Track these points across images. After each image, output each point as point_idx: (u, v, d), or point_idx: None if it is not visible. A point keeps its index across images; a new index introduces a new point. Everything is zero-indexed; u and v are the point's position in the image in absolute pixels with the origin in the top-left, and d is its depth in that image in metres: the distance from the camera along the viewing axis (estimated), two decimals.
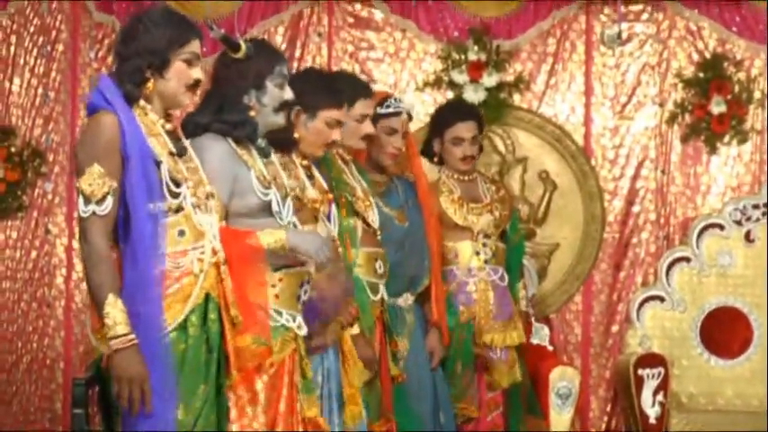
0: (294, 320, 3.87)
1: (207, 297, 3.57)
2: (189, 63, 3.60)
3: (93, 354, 6.51)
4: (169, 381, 3.47)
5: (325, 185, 4.34)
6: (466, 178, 5.71)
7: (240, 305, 3.66)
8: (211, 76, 3.94)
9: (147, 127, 3.56)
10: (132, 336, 3.39)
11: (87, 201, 3.43)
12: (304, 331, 3.91)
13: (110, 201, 3.45)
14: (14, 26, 6.95)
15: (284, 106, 3.95)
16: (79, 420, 6.02)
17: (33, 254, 6.97)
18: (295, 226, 3.91)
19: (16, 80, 6.95)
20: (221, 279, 3.62)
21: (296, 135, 4.11)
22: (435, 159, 5.72)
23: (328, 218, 4.28)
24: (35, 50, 6.95)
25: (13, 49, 6.94)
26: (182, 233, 3.55)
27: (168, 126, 3.64)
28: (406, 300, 5.03)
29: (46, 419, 6.93)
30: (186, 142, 3.76)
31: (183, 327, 3.52)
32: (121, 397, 3.41)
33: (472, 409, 5.55)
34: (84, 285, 6.74)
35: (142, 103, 3.58)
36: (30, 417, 6.92)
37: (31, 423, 6.91)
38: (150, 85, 3.58)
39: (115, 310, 3.39)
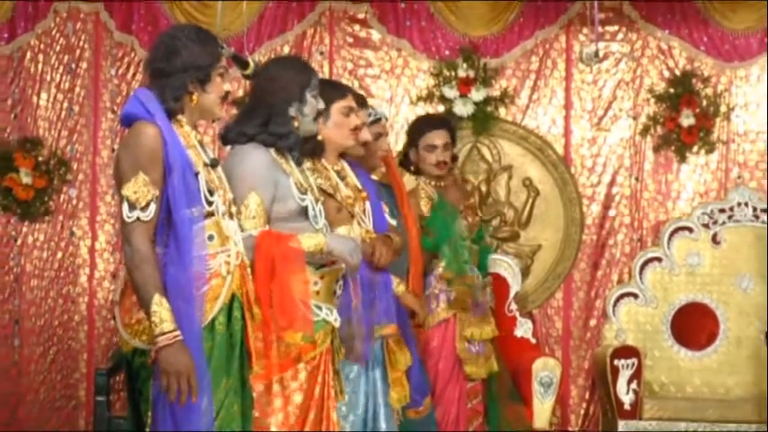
0: (332, 314, 3.92)
1: (232, 297, 3.55)
2: (222, 77, 3.57)
3: (115, 346, 6.75)
4: (202, 374, 3.44)
5: (359, 185, 4.39)
6: (442, 184, 5.69)
7: (284, 301, 3.68)
8: (252, 90, 3.99)
9: (184, 138, 3.53)
10: (178, 332, 3.36)
11: (132, 207, 3.40)
12: (339, 323, 3.94)
13: (153, 207, 3.41)
14: (42, 45, 6.95)
15: (319, 115, 4.02)
16: (101, 407, 6.16)
17: (59, 254, 6.97)
18: (327, 230, 3.94)
19: (43, 95, 6.95)
20: (245, 280, 3.60)
21: (320, 138, 4.13)
22: (412, 169, 5.70)
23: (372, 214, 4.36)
24: (61, 68, 6.97)
25: (40, 66, 6.95)
26: (210, 237, 3.52)
27: (199, 137, 3.63)
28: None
29: (70, 406, 6.94)
30: (226, 150, 3.78)
31: (211, 325, 3.51)
32: (170, 390, 3.37)
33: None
34: (105, 283, 6.95)
35: (179, 116, 3.54)
36: (56, 403, 6.92)
37: (57, 409, 6.92)
38: (195, 98, 3.54)
39: (161, 309, 3.37)
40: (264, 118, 3.89)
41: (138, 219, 3.40)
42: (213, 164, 3.61)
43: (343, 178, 4.31)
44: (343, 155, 4.44)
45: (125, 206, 3.40)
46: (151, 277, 3.39)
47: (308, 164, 4.11)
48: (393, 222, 4.68)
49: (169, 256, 3.44)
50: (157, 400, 3.43)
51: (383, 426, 4.41)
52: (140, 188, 3.40)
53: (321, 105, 4.01)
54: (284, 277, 3.68)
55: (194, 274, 3.45)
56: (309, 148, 4.09)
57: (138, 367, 3.50)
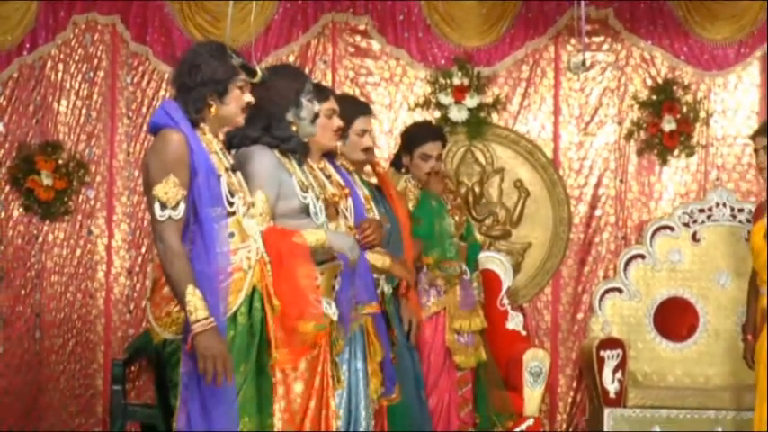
0: (330, 307, 3.90)
1: (253, 290, 3.61)
2: (242, 89, 3.65)
3: (130, 338, 6.86)
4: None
5: (342, 182, 4.36)
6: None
7: (294, 292, 3.68)
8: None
9: (207, 145, 3.60)
10: (212, 318, 3.43)
11: (164, 206, 3.45)
12: (336, 316, 3.92)
13: (182, 207, 3.48)
14: (61, 55, 7.01)
15: (316, 117, 4.04)
16: (117, 395, 6.30)
17: (78, 252, 7.01)
18: (327, 227, 3.95)
19: (63, 102, 7.00)
20: (264, 274, 3.64)
21: (305, 140, 4.07)
22: (403, 170, 5.64)
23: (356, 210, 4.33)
24: (79, 76, 7.02)
25: (60, 75, 7.00)
26: (231, 235, 3.58)
27: (220, 145, 3.70)
28: (388, 291, 4.90)
29: (88, 394, 6.98)
30: (232, 153, 3.81)
31: (233, 316, 3.57)
32: (207, 372, 3.41)
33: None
34: (121, 279, 6.99)
35: (201, 124, 3.62)
36: (75, 392, 6.97)
37: (76, 397, 6.97)
38: (213, 110, 3.61)
39: (195, 298, 3.42)
40: (265, 123, 3.91)
41: (169, 217, 3.46)
42: (234, 168, 3.69)
43: (327, 177, 4.28)
44: (328, 155, 4.45)
45: (156, 206, 3.46)
46: (184, 271, 3.45)
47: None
48: (376, 216, 4.64)
49: (195, 252, 3.51)
50: (187, 385, 3.49)
51: (362, 418, 4.36)
52: (171, 189, 3.46)
53: (317, 108, 4.04)
54: (292, 270, 3.68)
55: (218, 269, 3.51)
56: (290, 149, 4.04)
57: (167, 356, 3.58)
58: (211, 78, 3.58)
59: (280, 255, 3.69)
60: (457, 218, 5.82)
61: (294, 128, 4.00)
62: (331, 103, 4.33)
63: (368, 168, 5.14)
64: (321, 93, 4.28)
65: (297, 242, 3.77)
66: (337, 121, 4.36)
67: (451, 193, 6.00)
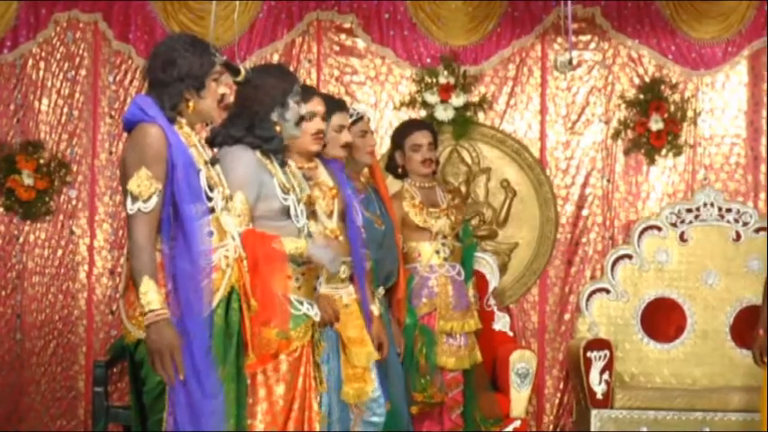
0: (312, 308, 3.92)
1: (231, 289, 3.58)
2: (216, 81, 3.60)
3: (112, 340, 6.77)
4: (209, 358, 3.47)
5: (330, 183, 4.39)
6: (427, 185, 5.74)
7: (265, 298, 3.66)
8: (237, 97, 3.95)
9: (185, 138, 3.56)
10: (164, 311, 3.39)
11: (134, 200, 3.41)
12: (318, 317, 3.94)
13: (155, 200, 3.42)
14: (43, 53, 6.94)
15: (301, 120, 4.01)
16: (99, 397, 6.21)
17: (59, 252, 6.94)
18: (308, 229, 3.94)
19: (45, 100, 6.93)
20: (242, 272, 3.62)
21: (286, 143, 4.05)
22: (399, 171, 5.73)
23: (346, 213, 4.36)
24: (61, 75, 6.95)
25: (41, 73, 6.93)
26: (210, 233, 3.54)
27: (199, 138, 3.66)
28: (380, 293, 5.00)
29: (70, 396, 6.92)
30: (214, 151, 3.79)
31: (209, 316, 3.52)
32: (156, 367, 3.38)
33: (440, 396, 5.54)
34: (103, 280, 6.93)
35: (179, 119, 3.57)
36: (56, 394, 6.91)
37: (58, 399, 6.89)
38: (191, 104, 3.57)
39: (149, 290, 3.39)
40: (249, 123, 3.88)
41: (139, 210, 3.41)
42: (213, 162, 3.65)
43: (308, 178, 4.25)
44: (318, 155, 4.43)
45: (128, 200, 3.42)
46: (144, 264, 3.40)
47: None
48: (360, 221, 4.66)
49: (177, 249, 3.47)
50: (172, 387, 3.43)
51: (334, 419, 4.38)
52: (143, 182, 3.42)
53: (303, 111, 4.01)
54: (266, 275, 3.67)
55: (200, 267, 3.47)
56: (271, 150, 4.02)
57: (141, 357, 3.50)
58: (188, 73, 3.54)
59: (256, 259, 3.67)
60: (453, 218, 5.81)
61: (278, 128, 3.96)
62: (312, 105, 4.30)
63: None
64: (305, 94, 4.22)
65: (275, 248, 3.76)
66: (317, 125, 4.34)
67: (450, 193, 5.97)
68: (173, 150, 3.47)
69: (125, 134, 3.60)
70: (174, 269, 3.45)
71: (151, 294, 3.39)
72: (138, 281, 3.40)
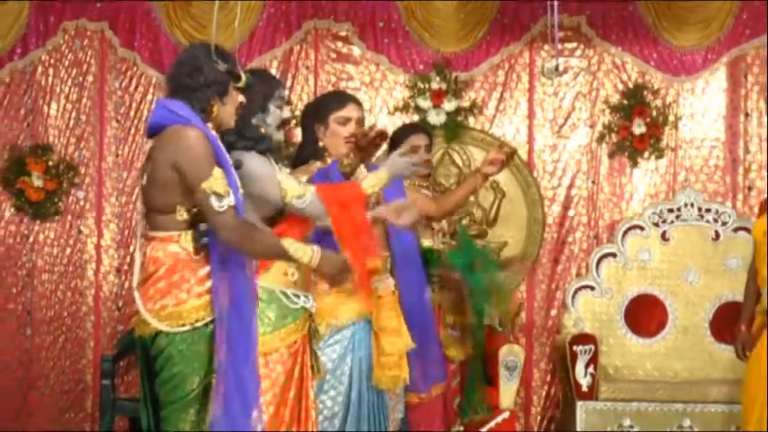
0: (309, 301, 3.94)
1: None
2: (237, 90, 3.63)
3: (119, 334, 6.82)
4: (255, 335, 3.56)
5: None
6: (423, 186, 5.70)
7: (358, 235, 3.83)
8: None
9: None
10: (317, 247, 3.62)
11: (221, 197, 3.43)
12: (314, 309, 3.96)
13: (233, 194, 3.49)
14: (52, 60, 6.98)
15: (284, 124, 4.09)
16: (106, 390, 6.26)
17: (68, 251, 6.97)
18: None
19: (53, 105, 6.96)
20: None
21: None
22: None
23: None
24: (69, 81, 6.98)
25: (50, 79, 6.97)
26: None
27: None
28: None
29: (78, 389, 6.95)
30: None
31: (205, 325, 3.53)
32: (338, 282, 3.66)
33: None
34: (110, 277, 6.96)
35: (207, 124, 3.58)
36: (65, 387, 6.94)
37: (66, 393, 6.93)
38: (215, 110, 3.58)
39: (294, 247, 3.58)
40: (237, 128, 3.83)
41: (229, 205, 3.45)
42: (237, 166, 3.68)
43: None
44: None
45: (213, 200, 3.43)
46: (268, 237, 3.56)
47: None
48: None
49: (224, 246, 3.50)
50: (219, 369, 3.47)
51: (365, 407, 4.35)
52: (220, 180, 3.46)
53: (286, 115, 4.09)
54: (355, 216, 3.84)
55: (243, 261, 3.53)
56: (262, 152, 4.01)
57: (158, 350, 3.50)
58: (214, 80, 3.55)
59: (342, 202, 3.79)
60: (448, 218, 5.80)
61: (262, 131, 3.97)
62: (347, 111, 4.30)
63: None
64: (340, 99, 4.25)
65: (354, 190, 3.88)
66: (350, 129, 4.31)
67: (442, 194, 5.98)
68: (216, 149, 3.51)
69: (138, 138, 3.71)
70: (227, 253, 3.49)
71: (298, 248, 3.57)
72: (279, 251, 3.53)
